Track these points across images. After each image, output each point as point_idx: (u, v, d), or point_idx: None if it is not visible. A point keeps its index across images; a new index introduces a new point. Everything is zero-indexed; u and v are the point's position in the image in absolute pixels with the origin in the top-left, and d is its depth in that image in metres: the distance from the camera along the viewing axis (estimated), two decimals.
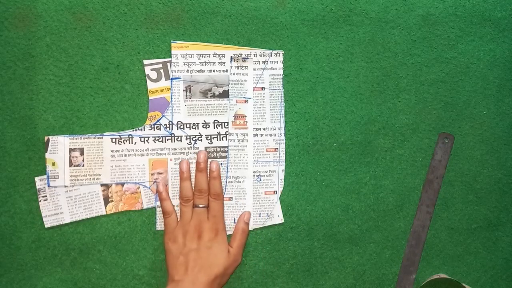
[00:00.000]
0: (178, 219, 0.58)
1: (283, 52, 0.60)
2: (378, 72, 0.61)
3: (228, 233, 0.59)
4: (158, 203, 0.59)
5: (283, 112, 0.60)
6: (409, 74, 0.62)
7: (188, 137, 0.59)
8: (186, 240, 0.55)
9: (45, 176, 0.57)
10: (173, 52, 0.59)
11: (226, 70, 0.60)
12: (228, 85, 0.60)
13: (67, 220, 0.58)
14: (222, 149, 0.60)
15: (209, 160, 0.59)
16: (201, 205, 0.57)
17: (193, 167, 0.59)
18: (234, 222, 0.60)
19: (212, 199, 0.57)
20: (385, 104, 0.62)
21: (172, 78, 0.59)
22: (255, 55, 0.60)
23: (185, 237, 0.56)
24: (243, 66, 0.60)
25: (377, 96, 0.62)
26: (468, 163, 0.63)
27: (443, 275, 0.61)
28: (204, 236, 0.56)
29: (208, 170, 0.59)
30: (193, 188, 0.58)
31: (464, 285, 0.61)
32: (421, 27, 0.62)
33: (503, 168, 0.63)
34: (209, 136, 0.60)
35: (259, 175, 0.60)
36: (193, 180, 0.59)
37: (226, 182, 0.60)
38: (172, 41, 0.59)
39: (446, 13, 0.62)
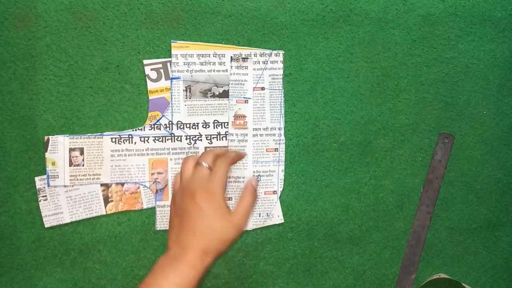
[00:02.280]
0: None
1: (283, 52, 0.60)
2: (378, 72, 0.61)
3: None
4: (158, 203, 0.59)
5: (283, 112, 0.60)
6: (409, 74, 0.62)
7: (188, 137, 0.59)
8: (182, 200, 0.49)
9: (45, 176, 0.57)
10: (173, 52, 0.59)
11: (226, 70, 0.60)
12: (228, 85, 0.60)
13: (67, 220, 0.58)
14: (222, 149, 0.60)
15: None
16: (204, 163, 0.50)
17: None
18: None
19: (220, 159, 0.51)
20: (385, 104, 0.62)
21: (172, 78, 0.59)
22: (255, 55, 0.60)
23: (181, 197, 0.49)
24: (243, 66, 0.60)
25: (377, 96, 0.62)
26: (468, 163, 0.63)
27: (443, 275, 0.61)
28: (196, 196, 0.48)
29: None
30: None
31: (464, 285, 0.61)
32: (421, 27, 0.62)
33: (503, 168, 0.63)
34: (209, 136, 0.60)
35: (259, 175, 0.60)
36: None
37: (225, 182, 0.60)
38: (172, 41, 0.59)
39: (446, 13, 0.62)
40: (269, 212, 0.60)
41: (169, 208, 0.59)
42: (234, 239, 0.48)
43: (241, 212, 0.49)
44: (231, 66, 0.60)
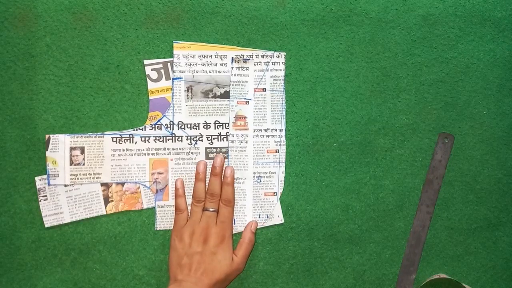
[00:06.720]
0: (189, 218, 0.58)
1: (285, 53, 0.60)
2: (378, 72, 0.61)
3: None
4: (158, 203, 0.59)
5: (284, 114, 0.60)
6: (409, 74, 0.62)
7: (188, 137, 0.59)
8: (192, 241, 0.55)
9: (45, 176, 0.57)
10: (175, 52, 0.59)
11: (228, 71, 0.60)
12: (229, 86, 0.60)
13: (67, 220, 0.58)
14: (222, 149, 0.60)
15: (225, 165, 0.60)
16: (211, 209, 0.57)
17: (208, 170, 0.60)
18: (234, 224, 0.60)
19: (222, 204, 0.58)
20: (385, 104, 0.62)
21: (173, 78, 0.59)
22: (257, 56, 0.60)
23: (191, 238, 0.56)
24: (243, 67, 0.60)
25: (377, 96, 0.62)
26: (468, 163, 0.63)
27: (443, 275, 0.61)
28: (210, 240, 0.55)
29: (223, 175, 0.59)
30: (206, 190, 0.59)
31: (464, 285, 0.61)
32: (421, 27, 0.62)
33: (503, 168, 0.63)
34: (210, 136, 0.60)
35: (259, 176, 0.60)
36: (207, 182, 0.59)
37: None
38: (174, 41, 0.59)
39: (446, 13, 0.62)
40: (269, 214, 0.60)
41: (168, 209, 0.59)
42: (234, 278, 0.57)
43: (241, 258, 0.57)
44: (232, 67, 0.60)
